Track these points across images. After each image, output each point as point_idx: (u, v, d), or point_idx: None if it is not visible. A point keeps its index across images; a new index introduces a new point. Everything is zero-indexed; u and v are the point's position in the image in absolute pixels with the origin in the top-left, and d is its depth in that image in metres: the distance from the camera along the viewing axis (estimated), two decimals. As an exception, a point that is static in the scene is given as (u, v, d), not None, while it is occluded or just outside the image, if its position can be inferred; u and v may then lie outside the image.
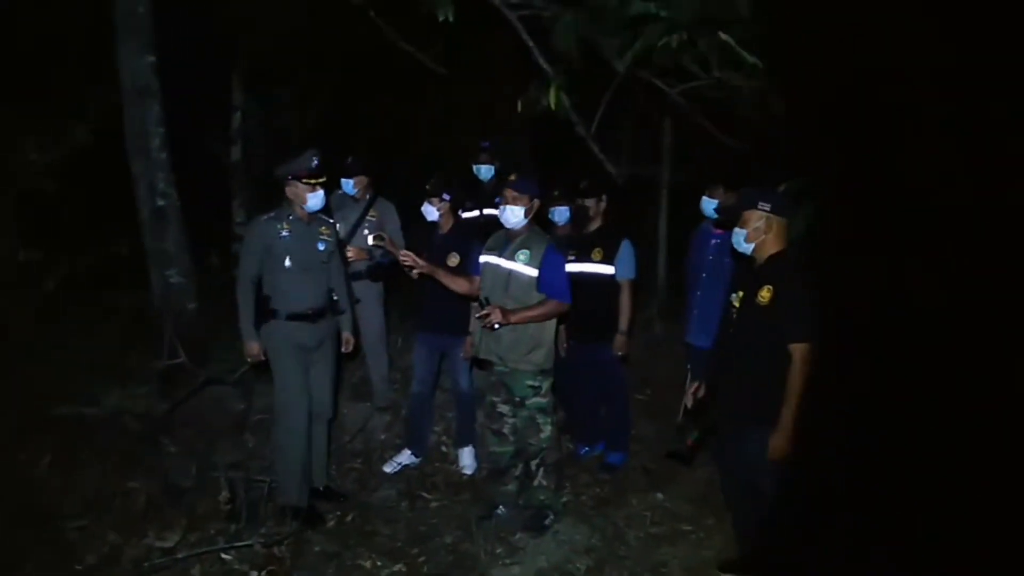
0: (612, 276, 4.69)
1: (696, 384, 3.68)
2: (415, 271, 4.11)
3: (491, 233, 4.63)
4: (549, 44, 4.59)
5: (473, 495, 4.55)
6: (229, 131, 7.34)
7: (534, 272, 3.90)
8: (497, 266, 4.02)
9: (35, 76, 6.34)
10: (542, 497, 4.15)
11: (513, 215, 3.96)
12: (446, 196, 4.64)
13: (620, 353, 4.74)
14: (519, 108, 4.57)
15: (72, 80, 6.36)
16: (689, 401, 3.68)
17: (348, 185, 5.18)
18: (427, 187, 4.66)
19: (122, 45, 5.76)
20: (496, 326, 3.83)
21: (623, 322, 4.70)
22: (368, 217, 5.21)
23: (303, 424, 4.10)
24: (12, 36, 6.23)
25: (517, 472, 4.24)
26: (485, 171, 5.69)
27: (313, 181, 4.00)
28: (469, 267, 4.56)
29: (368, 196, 5.27)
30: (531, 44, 4.69)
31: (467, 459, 4.89)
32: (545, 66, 4.69)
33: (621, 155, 5.36)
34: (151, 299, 6.10)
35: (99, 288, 6.07)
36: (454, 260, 4.60)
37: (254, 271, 4.10)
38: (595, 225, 4.83)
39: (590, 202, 4.77)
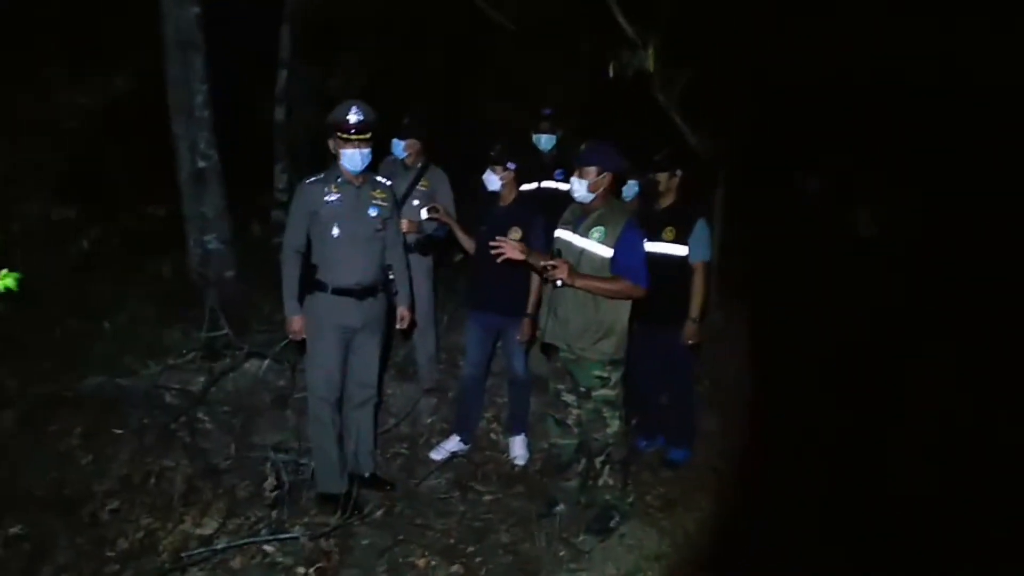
0: (684, 258, 4.32)
1: None
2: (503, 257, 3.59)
3: (550, 207, 4.31)
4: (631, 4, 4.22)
5: (527, 488, 4.23)
6: (274, 90, 6.98)
7: (608, 252, 3.52)
8: (570, 243, 3.65)
9: (73, 23, 6.05)
10: (607, 497, 3.83)
11: (578, 188, 3.58)
12: (511, 165, 4.28)
13: (690, 342, 4.39)
14: (611, 72, 4.20)
15: (114, 28, 6.04)
16: None
17: (398, 147, 4.83)
18: (491, 154, 4.30)
19: (165, -5, 5.45)
20: (559, 283, 3.47)
21: (695, 308, 4.34)
22: (419, 186, 4.86)
23: (327, 410, 3.78)
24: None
25: (580, 467, 3.92)
26: (546, 140, 5.28)
27: (351, 136, 3.54)
28: (531, 242, 4.22)
29: (420, 163, 4.92)
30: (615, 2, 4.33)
31: (519, 449, 4.57)
32: (628, 28, 4.31)
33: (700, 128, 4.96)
34: (188, 265, 5.86)
35: (134, 252, 5.79)
36: (516, 234, 4.24)
37: (299, 240, 3.74)
38: (667, 201, 4.45)
39: (662, 176, 4.39)
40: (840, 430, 5.17)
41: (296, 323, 3.78)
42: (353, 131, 3.53)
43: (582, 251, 3.57)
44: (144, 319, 5.33)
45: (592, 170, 3.55)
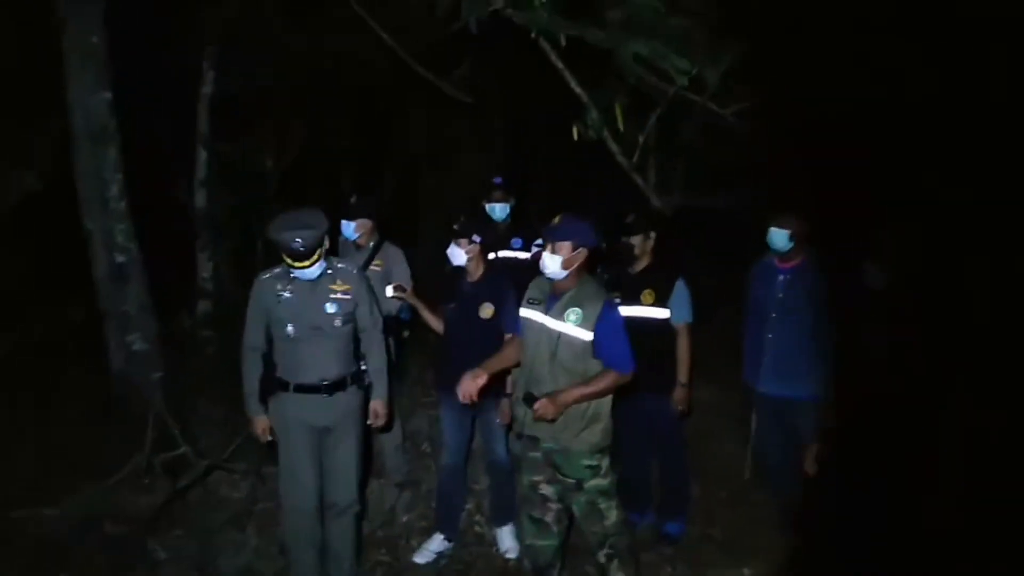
0: (666, 320, 4.18)
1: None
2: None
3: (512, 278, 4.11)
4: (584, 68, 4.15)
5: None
6: (193, 172, 6.54)
7: (588, 335, 3.25)
8: (542, 325, 3.36)
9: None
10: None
11: (551, 264, 3.32)
12: (476, 238, 4.06)
13: (680, 408, 4.23)
14: (575, 135, 4.07)
15: (15, 121, 5.54)
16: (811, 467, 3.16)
17: (349, 228, 4.55)
18: (454, 227, 4.08)
19: (73, 81, 5.02)
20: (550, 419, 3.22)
21: (683, 372, 4.19)
22: (373, 266, 4.58)
23: (307, 520, 3.46)
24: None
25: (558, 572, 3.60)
26: (499, 210, 5.09)
27: (297, 265, 3.30)
28: (504, 320, 3.98)
29: (372, 242, 4.64)
30: (562, 67, 4.25)
31: (508, 541, 4.22)
32: (580, 92, 4.22)
33: (672, 183, 4.92)
34: (111, 370, 5.31)
35: (50, 360, 5.21)
36: (488, 311, 4.02)
37: (258, 338, 3.50)
38: (643, 264, 4.31)
39: (636, 239, 4.26)
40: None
41: (259, 424, 3.50)
42: (297, 260, 3.28)
43: (559, 335, 3.30)
44: (68, 435, 4.75)
45: (567, 245, 3.30)
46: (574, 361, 3.27)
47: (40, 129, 5.50)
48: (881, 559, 3.77)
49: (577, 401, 3.24)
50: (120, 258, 5.24)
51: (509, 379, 3.88)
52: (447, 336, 4.20)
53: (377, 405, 3.63)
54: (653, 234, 4.30)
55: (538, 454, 3.43)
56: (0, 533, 3.89)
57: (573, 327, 3.27)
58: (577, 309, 3.27)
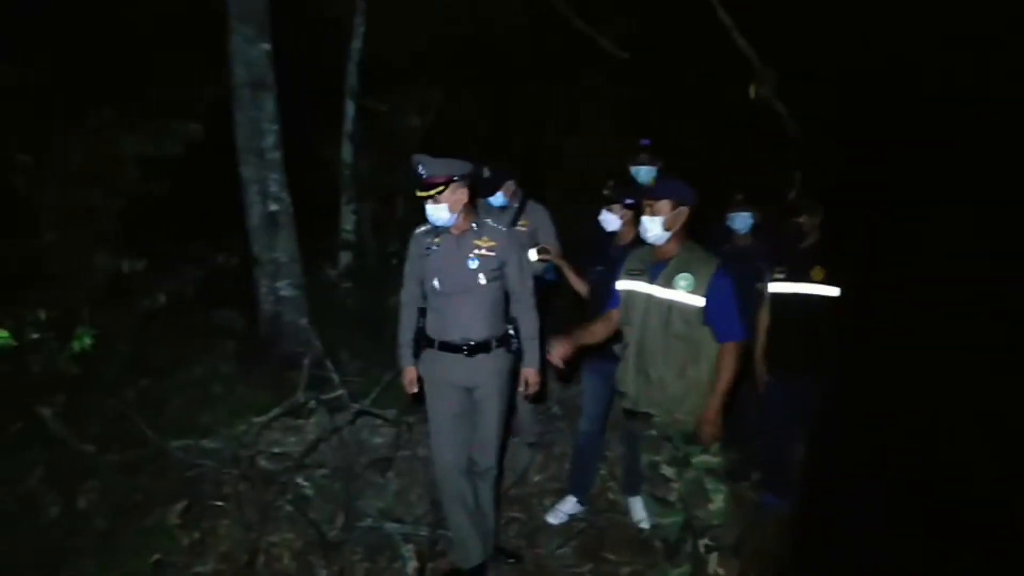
0: (834, 299, 3.97)
1: None
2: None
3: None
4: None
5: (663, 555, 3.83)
6: (340, 126, 6.70)
7: (700, 301, 3.08)
8: (649, 296, 3.19)
9: (141, 71, 5.81)
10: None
11: (651, 226, 3.17)
12: (629, 202, 3.95)
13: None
14: (752, 95, 3.92)
15: (180, 74, 5.80)
16: None
17: (497, 200, 4.46)
18: (605, 192, 3.99)
19: (235, 32, 5.20)
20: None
21: None
22: (519, 227, 4.53)
23: (449, 475, 3.42)
24: (115, 28, 5.72)
25: (689, 548, 3.41)
26: (645, 173, 4.95)
27: (423, 194, 3.20)
28: None
29: (516, 202, 4.59)
30: (730, 24, 4.05)
31: (641, 511, 4.16)
32: (748, 51, 4.03)
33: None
34: (259, 315, 5.54)
35: (204, 304, 5.48)
36: None
37: (413, 292, 3.47)
38: (812, 240, 4.11)
39: (804, 217, 4.06)
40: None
41: (408, 374, 3.49)
42: (421, 189, 3.21)
43: (670, 304, 3.12)
44: (220, 375, 5.00)
45: (666, 205, 3.14)
46: (688, 330, 3.11)
47: (203, 79, 5.72)
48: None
49: (724, 401, 3.09)
50: (273, 207, 5.44)
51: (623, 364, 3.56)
52: (592, 299, 4.13)
53: (529, 373, 3.45)
54: (822, 209, 4.09)
55: (653, 432, 3.32)
56: (160, 461, 4.11)
57: (684, 294, 3.09)
58: (687, 275, 3.10)
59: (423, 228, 3.46)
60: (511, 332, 3.44)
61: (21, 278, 4.66)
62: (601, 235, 4.14)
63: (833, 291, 3.94)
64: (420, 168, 3.19)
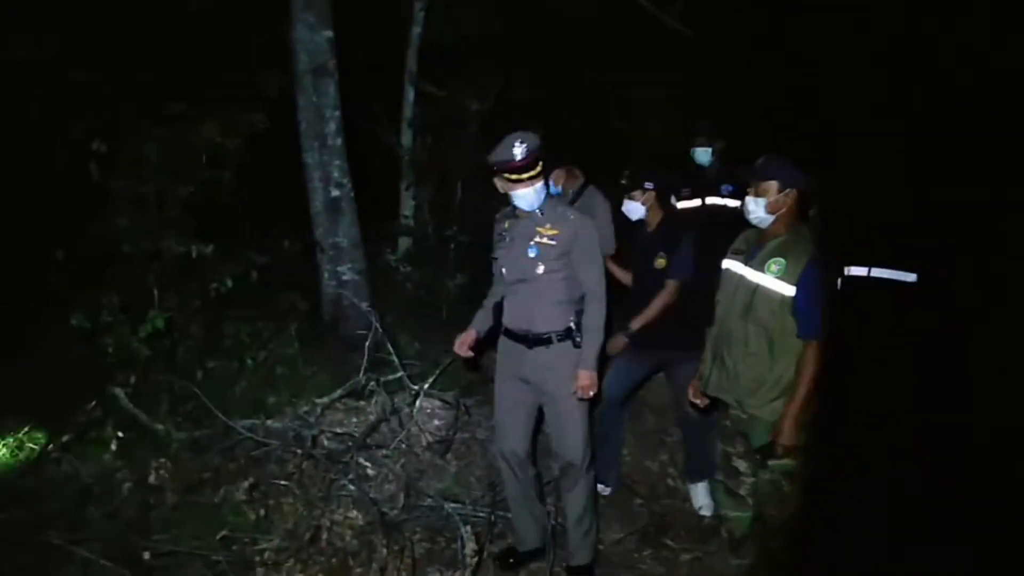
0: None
1: None
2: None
3: (711, 227, 3.88)
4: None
5: (727, 545, 3.78)
6: (400, 112, 6.76)
7: (789, 290, 2.91)
8: (741, 276, 3.08)
9: (209, 61, 5.96)
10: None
11: (754, 208, 3.04)
12: (648, 184, 3.87)
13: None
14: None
15: (244, 63, 5.93)
16: None
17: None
18: (622, 183, 3.92)
19: (298, 20, 5.27)
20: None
21: None
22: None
23: (506, 464, 3.40)
24: (182, 20, 5.87)
25: (758, 544, 3.36)
26: (702, 154, 4.89)
27: (517, 177, 3.08)
28: (672, 269, 3.80)
29: (574, 189, 4.55)
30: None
31: (702, 498, 4.09)
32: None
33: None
34: (321, 299, 5.64)
35: (268, 287, 5.60)
36: (661, 263, 3.84)
37: (498, 273, 3.45)
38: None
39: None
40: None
41: (467, 335, 3.41)
42: (519, 172, 3.06)
43: (756, 287, 3.00)
44: (284, 357, 5.11)
45: (772, 186, 2.98)
46: (770, 317, 2.97)
47: (267, 68, 5.83)
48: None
49: (805, 405, 2.92)
50: (335, 192, 5.52)
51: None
52: (633, 288, 4.11)
53: (583, 377, 3.14)
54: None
55: (727, 422, 3.26)
56: (226, 439, 4.21)
57: (772, 279, 2.96)
58: (780, 259, 2.96)
59: (504, 210, 3.41)
60: (573, 326, 3.21)
61: (95, 263, 4.85)
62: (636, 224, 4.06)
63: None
64: (517, 146, 3.02)
